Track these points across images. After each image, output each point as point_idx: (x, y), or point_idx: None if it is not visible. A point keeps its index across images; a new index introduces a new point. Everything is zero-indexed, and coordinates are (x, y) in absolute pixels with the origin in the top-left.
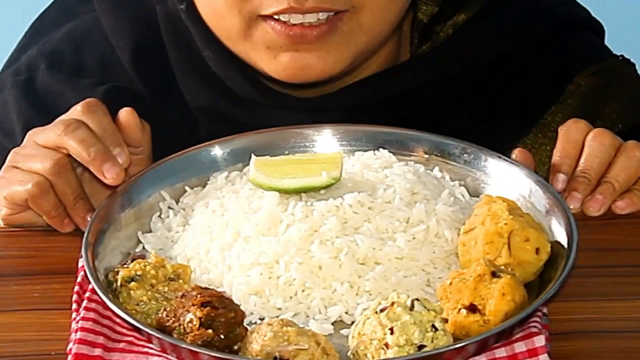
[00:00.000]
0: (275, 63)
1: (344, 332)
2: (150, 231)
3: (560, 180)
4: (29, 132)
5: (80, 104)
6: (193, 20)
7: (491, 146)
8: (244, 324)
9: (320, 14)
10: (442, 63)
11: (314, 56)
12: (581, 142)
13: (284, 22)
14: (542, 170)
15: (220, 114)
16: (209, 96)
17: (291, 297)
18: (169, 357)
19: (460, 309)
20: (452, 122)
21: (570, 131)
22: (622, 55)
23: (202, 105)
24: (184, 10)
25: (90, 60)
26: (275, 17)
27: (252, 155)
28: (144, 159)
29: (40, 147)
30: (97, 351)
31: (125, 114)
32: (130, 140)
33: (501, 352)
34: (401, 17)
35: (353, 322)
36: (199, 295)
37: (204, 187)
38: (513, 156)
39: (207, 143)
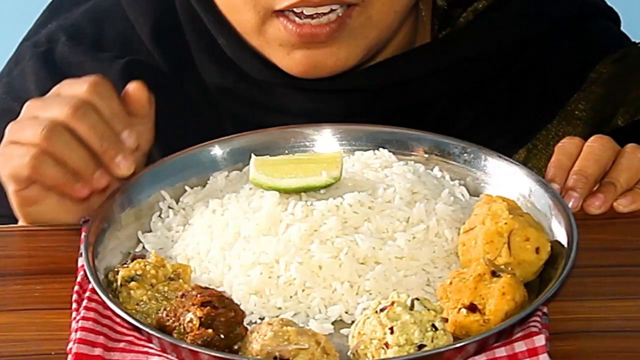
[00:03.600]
0: (289, 60)
1: (344, 331)
2: (151, 231)
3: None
4: (27, 105)
5: (87, 81)
6: (205, 9)
7: (513, 133)
8: (244, 323)
9: (330, 14)
10: (461, 47)
11: (325, 52)
12: (575, 154)
13: (295, 22)
14: None
15: (240, 95)
16: (227, 79)
17: (291, 297)
18: (169, 356)
19: (460, 309)
20: (473, 108)
21: (564, 145)
22: None
23: (222, 86)
24: (195, 0)
25: (110, 35)
26: (287, 13)
27: (252, 155)
28: (148, 129)
29: (33, 119)
30: (97, 351)
31: (135, 87)
32: (138, 112)
33: (501, 351)
34: (411, 5)
35: (353, 322)
36: (199, 295)
37: (204, 186)
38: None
39: (206, 143)
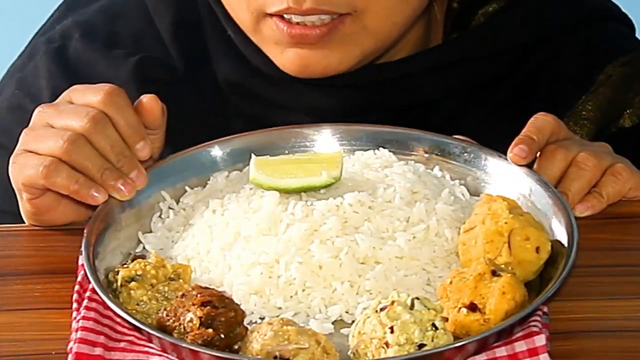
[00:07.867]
0: (282, 58)
1: (344, 331)
2: (151, 231)
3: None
4: (38, 111)
5: (101, 90)
6: (215, 2)
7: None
8: (244, 323)
9: (321, 15)
10: (468, 47)
11: (317, 54)
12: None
13: (287, 21)
14: None
15: (249, 91)
16: (240, 72)
17: (291, 297)
18: (169, 356)
19: (460, 308)
20: (481, 109)
21: (537, 121)
22: None
23: (232, 80)
24: None
25: (124, 33)
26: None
27: (252, 155)
28: (159, 139)
29: (50, 128)
30: (98, 350)
31: (149, 100)
32: (151, 125)
33: (501, 351)
34: (414, 18)
35: (353, 321)
36: (199, 295)
37: (204, 187)
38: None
39: (207, 143)
